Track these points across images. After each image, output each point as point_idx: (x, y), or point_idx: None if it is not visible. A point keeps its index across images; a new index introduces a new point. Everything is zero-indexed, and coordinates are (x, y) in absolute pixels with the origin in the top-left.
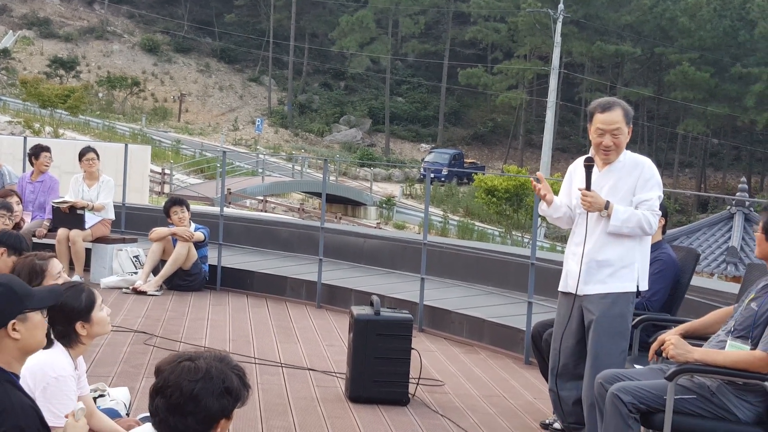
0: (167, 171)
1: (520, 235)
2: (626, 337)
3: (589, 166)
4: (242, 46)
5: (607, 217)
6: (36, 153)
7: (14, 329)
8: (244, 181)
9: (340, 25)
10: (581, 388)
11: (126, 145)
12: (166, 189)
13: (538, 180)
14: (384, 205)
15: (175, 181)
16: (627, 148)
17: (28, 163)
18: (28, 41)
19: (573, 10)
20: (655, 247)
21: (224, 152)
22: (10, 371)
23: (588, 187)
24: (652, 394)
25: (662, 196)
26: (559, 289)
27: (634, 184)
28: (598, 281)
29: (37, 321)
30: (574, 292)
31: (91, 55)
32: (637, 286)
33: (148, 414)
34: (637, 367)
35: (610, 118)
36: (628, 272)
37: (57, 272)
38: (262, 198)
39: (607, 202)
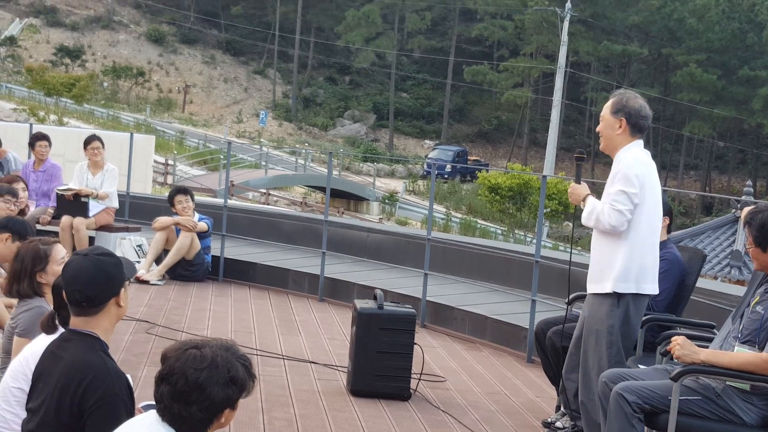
0: (170, 162)
1: (522, 234)
2: (610, 339)
3: (579, 159)
4: (248, 38)
5: None
6: (32, 142)
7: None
8: (247, 174)
9: (346, 20)
10: None
11: (132, 134)
12: (170, 180)
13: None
14: (386, 201)
15: (179, 171)
16: None
17: (31, 151)
18: (35, 29)
19: (580, 9)
20: (660, 246)
21: (229, 143)
22: (104, 341)
23: (577, 180)
24: (656, 395)
25: (628, 191)
26: None
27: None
28: (590, 279)
29: (126, 291)
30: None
31: (97, 44)
32: (614, 289)
33: (150, 402)
34: (641, 367)
35: (603, 107)
36: (609, 272)
37: (61, 257)
38: (264, 191)
39: (587, 195)
